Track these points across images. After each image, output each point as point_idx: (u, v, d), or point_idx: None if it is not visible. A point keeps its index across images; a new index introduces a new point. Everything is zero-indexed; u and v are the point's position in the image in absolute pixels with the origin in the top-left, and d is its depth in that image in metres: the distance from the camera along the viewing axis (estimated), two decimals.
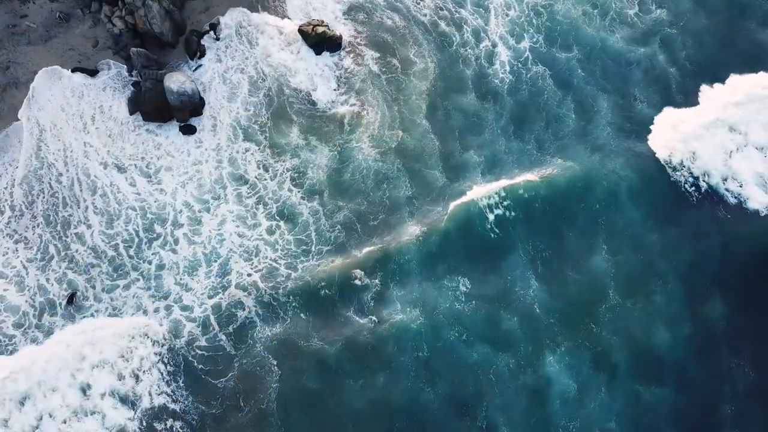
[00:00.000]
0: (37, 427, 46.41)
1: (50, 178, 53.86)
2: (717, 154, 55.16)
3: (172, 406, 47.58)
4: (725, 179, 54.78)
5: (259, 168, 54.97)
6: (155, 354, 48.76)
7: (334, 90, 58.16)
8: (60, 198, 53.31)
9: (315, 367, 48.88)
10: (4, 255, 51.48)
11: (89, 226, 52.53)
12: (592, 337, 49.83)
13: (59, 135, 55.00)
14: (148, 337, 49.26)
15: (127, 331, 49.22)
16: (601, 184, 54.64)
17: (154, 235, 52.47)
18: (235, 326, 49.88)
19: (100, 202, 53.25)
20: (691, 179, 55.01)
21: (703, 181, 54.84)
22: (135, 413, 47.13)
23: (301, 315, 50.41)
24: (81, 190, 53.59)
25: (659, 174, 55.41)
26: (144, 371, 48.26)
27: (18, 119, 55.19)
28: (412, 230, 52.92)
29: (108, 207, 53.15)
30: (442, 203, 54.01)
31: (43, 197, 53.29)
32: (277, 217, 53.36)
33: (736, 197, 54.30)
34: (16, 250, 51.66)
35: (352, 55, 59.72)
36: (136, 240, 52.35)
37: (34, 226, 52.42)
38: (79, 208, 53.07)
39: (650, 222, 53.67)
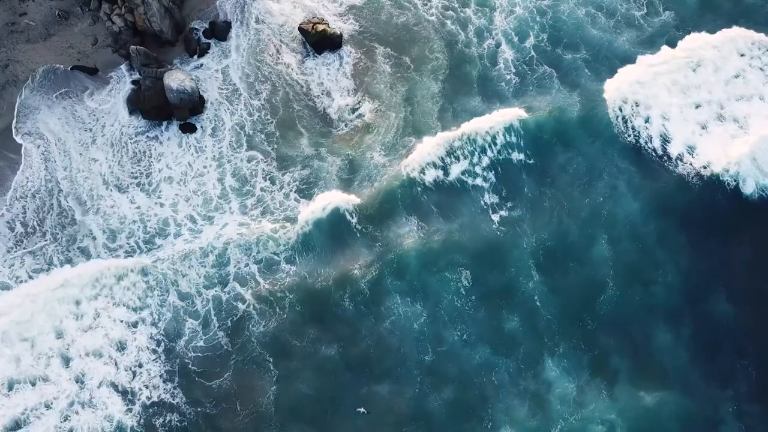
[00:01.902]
0: (34, 416, 46.01)
1: (53, 194, 53.72)
2: (717, 145, 54.61)
3: (169, 401, 47.02)
4: (726, 169, 53.78)
5: (266, 180, 54.05)
6: (151, 351, 48.20)
7: (344, 93, 57.37)
8: (67, 215, 53.12)
9: (312, 367, 48.28)
10: (10, 267, 50.95)
11: (94, 238, 52.20)
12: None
13: (63, 149, 54.81)
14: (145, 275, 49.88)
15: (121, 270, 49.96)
16: (602, 177, 54.15)
17: (155, 246, 51.86)
18: (233, 321, 49.28)
19: (101, 221, 52.78)
20: (691, 169, 54.11)
21: (703, 169, 54.00)
22: (133, 408, 46.62)
23: (297, 308, 49.72)
24: (85, 204, 53.38)
25: (659, 164, 54.63)
26: (141, 365, 47.83)
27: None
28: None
29: (110, 224, 52.59)
30: None
31: (52, 214, 52.92)
32: (283, 221, 52.60)
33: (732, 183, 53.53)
34: (23, 263, 51.24)
35: (360, 54, 59.07)
36: (138, 251, 51.78)
37: (43, 243, 52.09)
38: (84, 226, 52.57)
39: (650, 212, 53.03)
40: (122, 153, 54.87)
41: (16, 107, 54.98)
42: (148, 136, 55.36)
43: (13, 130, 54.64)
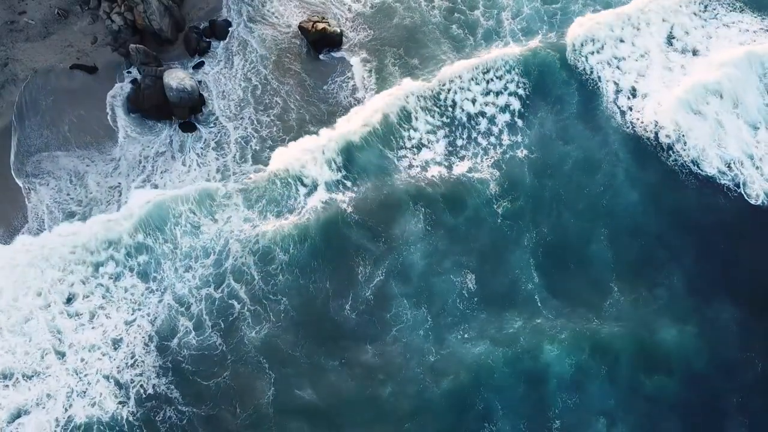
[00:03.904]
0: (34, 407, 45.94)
1: None
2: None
3: (166, 397, 46.43)
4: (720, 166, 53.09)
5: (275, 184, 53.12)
6: (146, 347, 47.58)
7: (352, 94, 56.47)
8: None
9: (310, 371, 47.30)
10: None
11: None
12: None
13: (80, 183, 53.64)
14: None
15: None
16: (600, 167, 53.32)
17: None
18: (227, 322, 48.41)
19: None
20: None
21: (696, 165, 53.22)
22: (128, 402, 46.14)
23: (292, 314, 48.70)
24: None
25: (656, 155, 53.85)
26: (136, 360, 47.27)
27: None
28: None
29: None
30: None
31: None
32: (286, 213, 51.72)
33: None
34: None
35: (369, 57, 58.17)
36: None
37: None
38: None
39: (644, 201, 52.21)
40: (138, 172, 54.16)
41: (13, 144, 54.11)
42: (160, 153, 54.56)
43: (12, 168, 53.43)
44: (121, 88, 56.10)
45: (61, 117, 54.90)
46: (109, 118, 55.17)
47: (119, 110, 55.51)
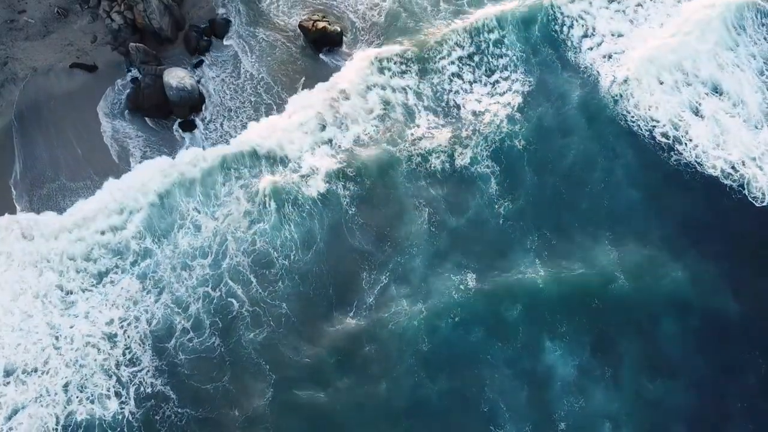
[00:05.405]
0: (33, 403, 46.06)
1: None
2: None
3: (164, 396, 46.45)
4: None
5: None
6: (143, 347, 47.55)
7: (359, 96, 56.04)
8: None
9: (310, 373, 47.14)
10: None
11: None
12: None
13: None
14: None
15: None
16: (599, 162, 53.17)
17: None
18: (225, 323, 48.25)
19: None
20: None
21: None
22: (128, 401, 46.20)
23: (292, 319, 48.48)
24: None
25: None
26: (134, 360, 47.31)
27: None
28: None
29: None
30: None
31: None
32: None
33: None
34: None
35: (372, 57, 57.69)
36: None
37: None
38: None
39: (646, 201, 52.01)
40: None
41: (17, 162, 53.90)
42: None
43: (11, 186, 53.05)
44: (113, 101, 55.67)
45: (64, 127, 54.42)
46: (108, 134, 54.70)
47: (126, 127, 55.01)
